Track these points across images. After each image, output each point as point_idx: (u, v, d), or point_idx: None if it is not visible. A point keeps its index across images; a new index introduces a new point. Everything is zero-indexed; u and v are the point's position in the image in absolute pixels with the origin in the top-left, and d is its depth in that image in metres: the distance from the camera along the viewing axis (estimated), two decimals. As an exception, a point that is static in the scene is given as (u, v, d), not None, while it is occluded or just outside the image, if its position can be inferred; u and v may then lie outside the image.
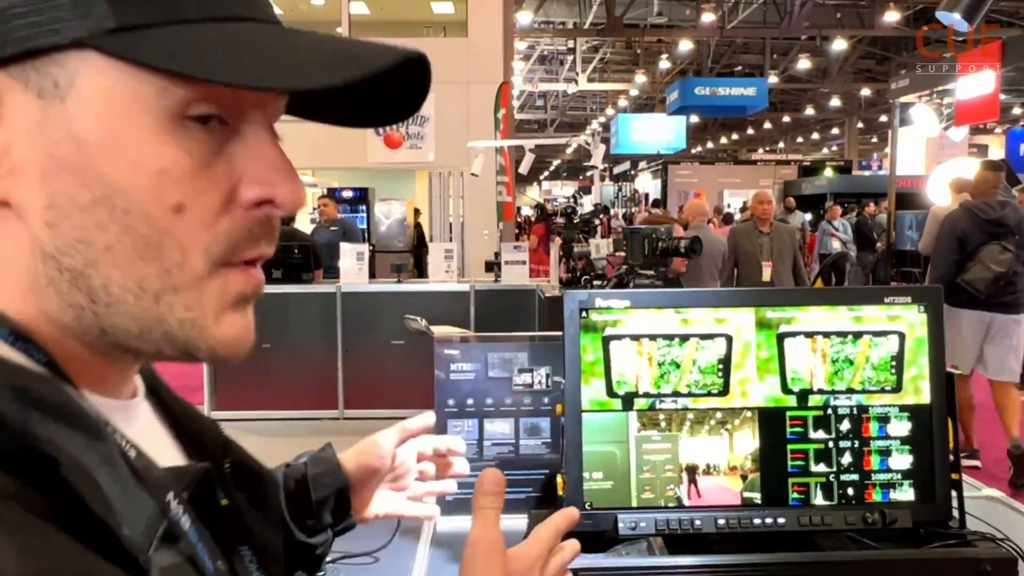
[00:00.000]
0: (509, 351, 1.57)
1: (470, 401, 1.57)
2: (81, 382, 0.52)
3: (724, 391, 1.30)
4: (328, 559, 1.38)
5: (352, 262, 6.71)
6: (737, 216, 18.83)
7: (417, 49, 0.55)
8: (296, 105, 0.59)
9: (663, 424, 1.30)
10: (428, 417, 1.11)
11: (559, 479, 1.30)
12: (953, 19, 4.10)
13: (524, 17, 18.46)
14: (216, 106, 0.51)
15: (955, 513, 1.32)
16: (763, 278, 6.17)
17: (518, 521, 1.49)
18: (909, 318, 1.33)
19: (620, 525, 1.26)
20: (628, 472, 1.29)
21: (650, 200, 24.44)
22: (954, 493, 1.32)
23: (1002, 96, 13.26)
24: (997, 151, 20.91)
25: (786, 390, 1.31)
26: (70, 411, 0.48)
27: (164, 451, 0.62)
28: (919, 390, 1.32)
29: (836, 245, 14.52)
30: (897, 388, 1.32)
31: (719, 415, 1.30)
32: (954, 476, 1.32)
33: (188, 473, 0.55)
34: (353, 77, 0.49)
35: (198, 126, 0.50)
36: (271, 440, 6.19)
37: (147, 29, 0.48)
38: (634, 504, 1.29)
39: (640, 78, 24.10)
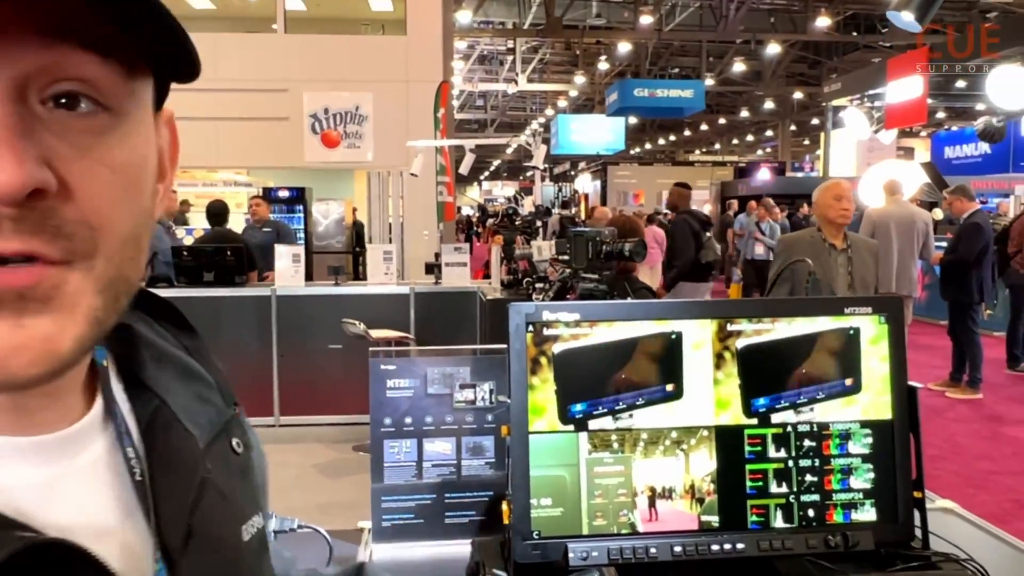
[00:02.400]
0: (450, 366, 1.47)
1: (408, 420, 1.47)
2: None
3: (678, 394, 1.23)
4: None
5: (287, 264, 6.51)
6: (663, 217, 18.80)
7: None
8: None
9: (615, 445, 1.22)
10: None
11: (504, 506, 1.21)
12: (904, 19, 4.14)
13: (463, 16, 18.32)
14: None
15: (917, 532, 1.27)
16: None
17: (461, 547, 1.39)
18: (869, 329, 1.27)
19: (570, 555, 1.17)
20: (579, 497, 1.20)
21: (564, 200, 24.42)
22: (916, 511, 1.27)
23: (929, 100, 13.65)
24: (923, 154, 21.59)
25: (746, 406, 1.24)
26: None
27: (89, 497, 0.53)
28: (880, 405, 1.27)
29: (760, 251, 12.55)
30: (856, 389, 1.26)
31: (674, 435, 1.23)
32: (916, 494, 1.26)
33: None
34: None
35: None
36: (203, 449, 5.97)
37: None
38: (585, 532, 1.20)
39: (579, 79, 24.19)
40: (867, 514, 1.25)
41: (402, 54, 11.19)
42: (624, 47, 20.91)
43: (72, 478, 0.52)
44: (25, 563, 0.45)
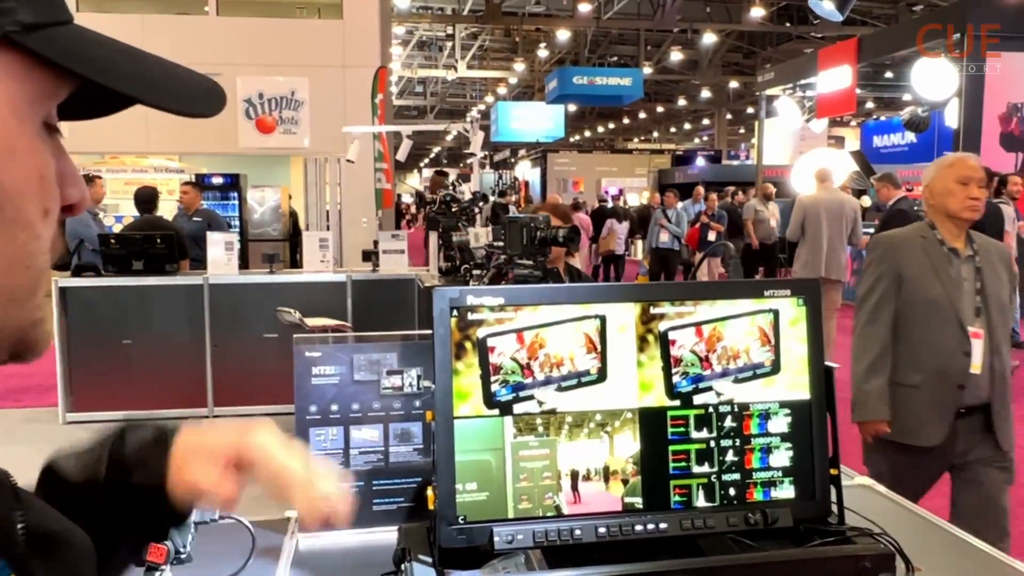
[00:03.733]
0: (376, 352, 1.45)
1: (335, 407, 1.45)
2: None
3: (602, 377, 1.24)
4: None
5: (220, 252, 6.38)
6: (612, 204, 18.87)
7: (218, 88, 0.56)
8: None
9: (540, 429, 1.22)
10: None
11: (430, 492, 1.20)
12: (824, 8, 4.21)
13: (402, 1, 18.13)
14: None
15: (834, 508, 1.31)
16: (971, 360, 2.68)
17: (390, 534, 1.38)
18: (787, 311, 1.30)
19: (496, 539, 1.17)
20: (504, 481, 1.21)
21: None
22: (833, 488, 1.30)
23: (858, 91, 14.01)
24: (853, 143, 22.16)
25: (669, 387, 1.26)
26: None
27: None
28: (798, 385, 1.30)
29: (665, 239, 12.02)
30: (775, 370, 1.29)
31: (598, 417, 1.24)
32: (833, 471, 1.30)
33: None
34: (218, 110, 0.54)
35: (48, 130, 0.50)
36: (134, 442, 5.82)
37: (45, 29, 0.46)
38: (511, 515, 1.20)
39: (519, 66, 24.16)
40: (786, 491, 1.28)
41: (338, 38, 11.02)
42: (563, 35, 20.95)
43: None
44: None
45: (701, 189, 13.41)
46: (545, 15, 21.22)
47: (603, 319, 1.24)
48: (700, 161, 25.55)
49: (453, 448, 1.19)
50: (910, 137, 17.83)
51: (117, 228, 9.56)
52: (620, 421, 1.24)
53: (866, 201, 11.82)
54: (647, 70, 22.58)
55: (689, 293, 1.28)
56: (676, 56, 22.73)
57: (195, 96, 0.53)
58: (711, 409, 1.27)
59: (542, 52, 23.93)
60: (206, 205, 8.80)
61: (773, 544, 1.25)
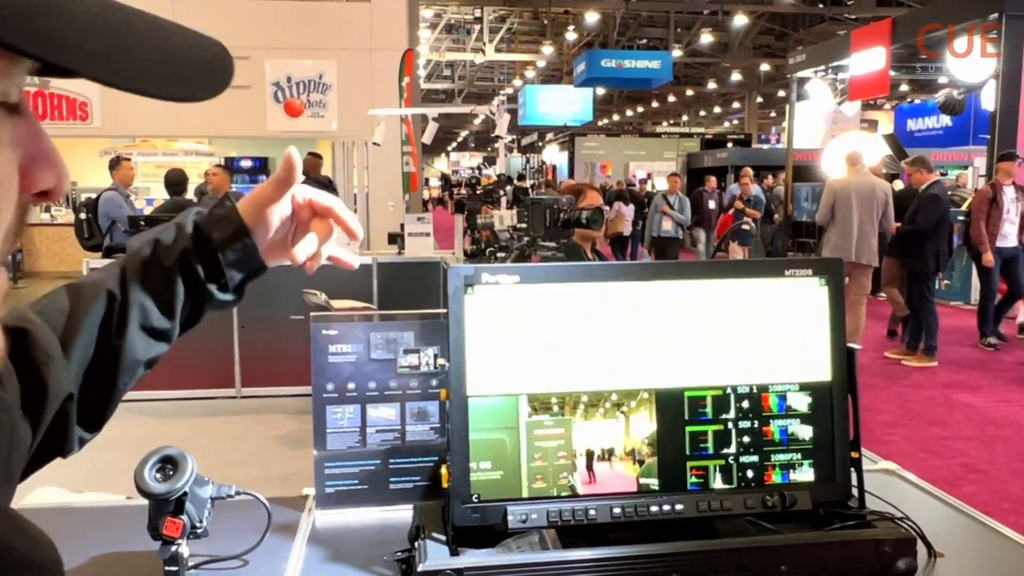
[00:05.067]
0: (393, 331, 1.45)
1: (351, 385, 1.45)
2: None
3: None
4: (192, 564, 1.24)
5: (248, 234, 6.42)
6: (641, 187, 18.69)
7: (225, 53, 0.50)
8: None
9: (555, 408, 1.21)
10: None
11: (443, 470, 1.20)
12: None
13: (429, -16, 18.08)
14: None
15: (854, 491, 1.28)
16: None
17: (406, 512, 1.38)
18: (810, 291, 1.27)
19: (510, 518, 1.17)
20: (518, 460, 1.20)
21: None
22: (853, 471, 1.28)
23: (891, 73, 13.74)
24: (886, 126, 21.80)
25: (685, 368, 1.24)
26: None
27: None
28: (819, 366, 1.27)
29: (668, 227, 11.38)
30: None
31: (614, 397, 1.22)
32: (854, 454, 1.27)
33: None
34: (219, 91, 0.47)
35: None
36: (164, 421, 5.90)
37: None
38: (525, 495, 1.20)
39: (547, 49, 24.03)
40: (805, 474, 1.26)
41: (366, 21, 11.01)
42: (592, 17, 20.80)
43: None
44: None
45: (750, 170, 12.74)
46: (574, -3, 21.06)
47: (620, 298, 1.22)
48: (729, 144, 25.22)
49: (467, 426, 1.18)
50: (945, 120, 17.49)
51: (148, 211, 9.67)
52: (636, 401, 1.23)
53: (898, 185, 11.62)
54: (676, 53, 22.35)
55: (708, 272, 1.26)
56: (706, 38, 22.48)
57: (185, 75, 0.45)
58: (729, 390, 1.25)
59: (570, 35, 23.77)
60: (235, 188, 8.87)
61: (791, 527, 1.23)
